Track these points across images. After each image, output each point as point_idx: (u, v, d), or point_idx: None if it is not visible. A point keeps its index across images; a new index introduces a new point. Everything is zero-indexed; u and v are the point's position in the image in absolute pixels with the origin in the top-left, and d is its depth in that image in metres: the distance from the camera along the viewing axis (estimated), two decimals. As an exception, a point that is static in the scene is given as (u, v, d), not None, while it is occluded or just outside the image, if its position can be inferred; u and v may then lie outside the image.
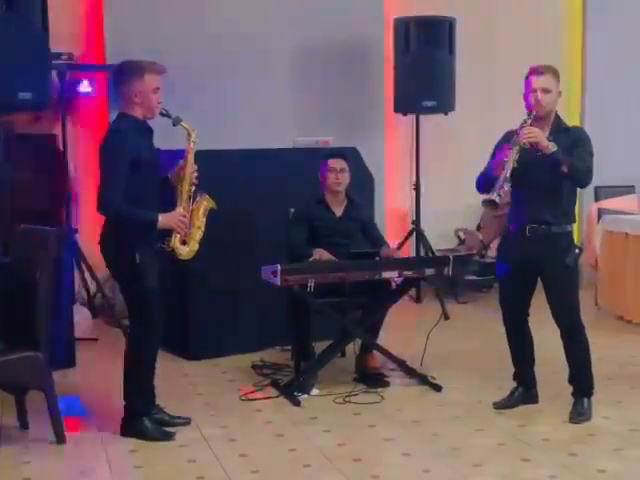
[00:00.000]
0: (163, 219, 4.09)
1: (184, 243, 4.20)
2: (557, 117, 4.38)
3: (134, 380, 4.19)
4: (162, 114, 4.16)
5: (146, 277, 4.08)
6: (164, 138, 4.35)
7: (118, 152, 4.05)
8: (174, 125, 4.17)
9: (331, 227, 5.21)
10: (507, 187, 4.17)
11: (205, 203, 4.28)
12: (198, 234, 4.25)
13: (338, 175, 5.16)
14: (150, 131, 4.22)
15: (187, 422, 4.38)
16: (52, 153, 5.34)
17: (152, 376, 4.26)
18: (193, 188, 4.21)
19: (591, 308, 6.55)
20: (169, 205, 4.19)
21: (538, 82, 4.26)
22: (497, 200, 4.15)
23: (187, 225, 4.17)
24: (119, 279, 4.27)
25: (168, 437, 4.19)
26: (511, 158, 4.17)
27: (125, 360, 4.20)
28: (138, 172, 4.04)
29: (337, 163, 5.17)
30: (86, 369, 5.40)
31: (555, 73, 4.33)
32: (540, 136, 4.19)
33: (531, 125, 4.23)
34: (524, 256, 4.37)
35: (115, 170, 4.03)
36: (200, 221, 4.25)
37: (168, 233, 4.14)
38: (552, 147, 4.17)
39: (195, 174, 4.20)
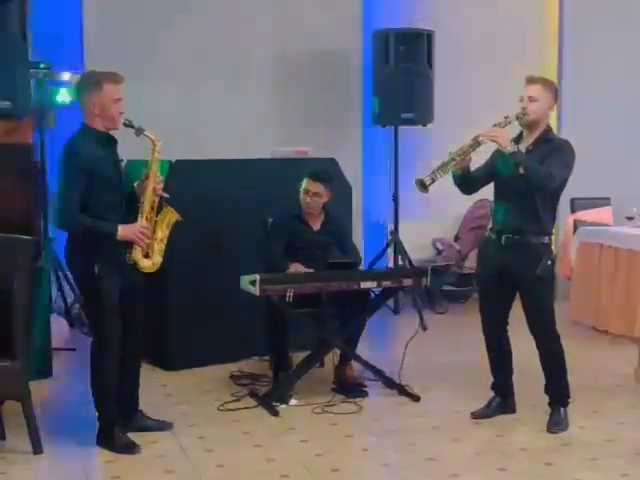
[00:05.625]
0: (122, 231, 4.00)
1: (147, 256, 4.10)
2: (548, 129, 4.43)
3: (96, 393, 4.18)
4: (125, 124, 4.08)
5: (104, 293, 4.02)
6: (137, 148, 4.27)
7: (70, 165, 3.99)
8: (137, 135, 4.08)
9: (308, 241, 5.20)
10: (442, 174, 4.25)
11: (169, 215, 4.16)
12: (161, 247, 4.14)
13: (310, 198, 5.12)
14: (112, 142, 4.13)
15: (170, 426, 4.38)
16: (27, 162, 5.31)
17: (111, 390, 4.16)
18: (157, 199, 4.11)
19: (566, 318, 6.60)
20: (134, 217, 4.09)
21: (526, 90, 4.35)
22: (427, 182, 4.22)
23: (148, 237, 4.07)
24: (80, 292, 4.22)
25: (131, 450, 4.12)
26: (460, 149, 4.26)
27: (90, 373, 4.20)
28: (97, 185, 3.99)
29: (313, 186, 5.12)
30: (63, 379, 5.37)
31: (547, 85, 4.39)
32: (500, 135, 4.24)
33: (520, 133, 4.36)
34: (500, 265, 4.41)
35: (69, 183, 3.99)
36: (163, 233, 4.14)
37: (130, 245, 4.05)
38: (511, 148, 4.23)
39: (160, 185, 4.10)
